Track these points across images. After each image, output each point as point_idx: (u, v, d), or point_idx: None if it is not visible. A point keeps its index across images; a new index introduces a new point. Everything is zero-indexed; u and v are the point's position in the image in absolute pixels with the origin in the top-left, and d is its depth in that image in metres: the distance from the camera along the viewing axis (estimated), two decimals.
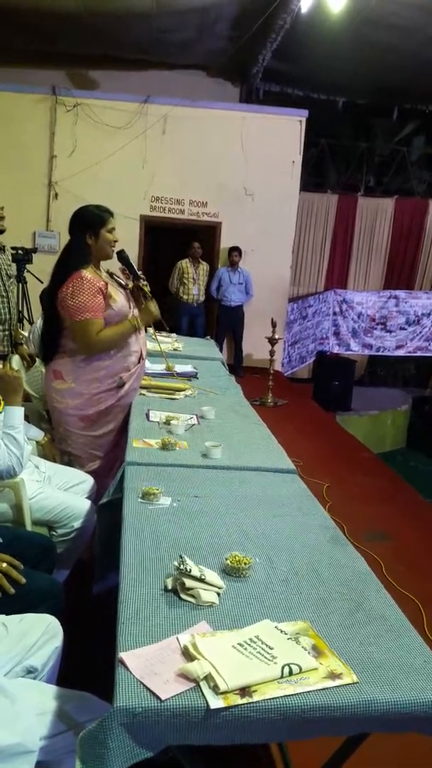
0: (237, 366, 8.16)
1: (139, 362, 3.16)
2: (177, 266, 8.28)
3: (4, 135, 8.19)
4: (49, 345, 3.05)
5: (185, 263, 8.23)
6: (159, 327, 3.44)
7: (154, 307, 3.17)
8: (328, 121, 9.92)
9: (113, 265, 3.22)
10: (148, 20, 7.46)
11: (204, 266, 8.32)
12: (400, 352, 10.73)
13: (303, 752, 1.88)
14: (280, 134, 8.63)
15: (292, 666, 1.25)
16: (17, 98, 8.20)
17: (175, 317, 8.26)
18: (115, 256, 3.12)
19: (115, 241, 3.02)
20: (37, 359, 3.65)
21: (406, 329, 10.53)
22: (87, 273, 2.89)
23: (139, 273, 3.23)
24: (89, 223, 2.94)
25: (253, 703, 1.17)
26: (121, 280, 3.20)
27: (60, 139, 8.31)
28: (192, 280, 8.22)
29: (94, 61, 8.99)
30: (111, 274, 3.17)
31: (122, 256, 3.19)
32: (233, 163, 8.55)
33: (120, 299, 3.01)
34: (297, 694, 1.20)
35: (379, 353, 10.74)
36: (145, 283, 3.21)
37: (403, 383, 11.45)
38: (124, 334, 3.01)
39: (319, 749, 1.43)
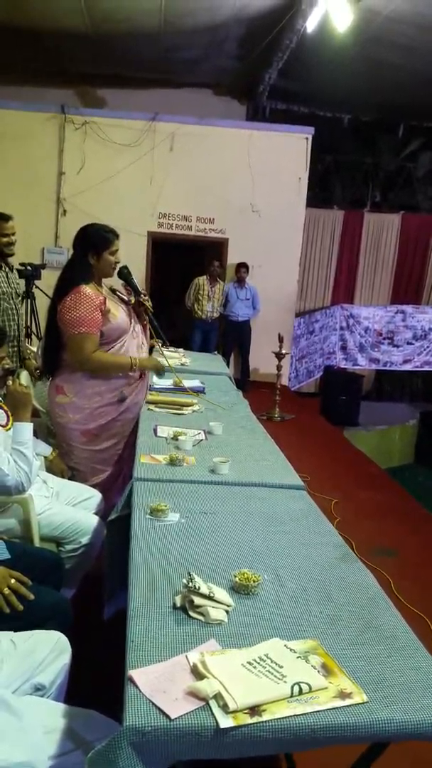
0: (244, 380, 8.15)
1: (141, 377, 3.17)
2: (194, 282, 8.30)
3: (14, 152, 8.29)
4: (50, 359, 3.08)
5: (202, 280, 8.25)
6: (162, 342, 3.47)
7: (157, 360, 3.21)
8: (334, 138, 9.99)
9: (117, 281, 3.25)
10: (156, 39, 7.56)
11: (221, 285, 8.34)
12: (408, 367, 10.71)
13: (308, 757, 1.87)
14: (287, 151, 8.69)
15: (301, 685, 1.24)
16: (27, 116, 8.30)
17: (188, 332, 8.29)
18: (116, 273, 3.15)
19: (117, 263, 3.05)
20: None
21: (413, 344, 10.52)
22: (87, 288, 2.92)
23: (141, 289, 3.26)
24: (93, 243, 2.97)
25: (262, 722, 1.17)
26: (123, 296, 3.23)
27: (69, 156, 8.39)
28: (207, 297, 8.24)
29: (103, 79, 9.10)
30: (114, 291, 3.20)
31: (123, 273, 3.22)
32: (240, 180, 8.61)
33: (120, 314, 3.04)
34: (307, 713, 1.19)
35: (387, 368, 10.72)
36: (147, 298, 3.24)
37: (411, 398, 11.41)
38: (119, 367, 3.02)
39: (326, 755, 1.42)
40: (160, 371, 3.26)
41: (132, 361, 3.03)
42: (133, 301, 3.25)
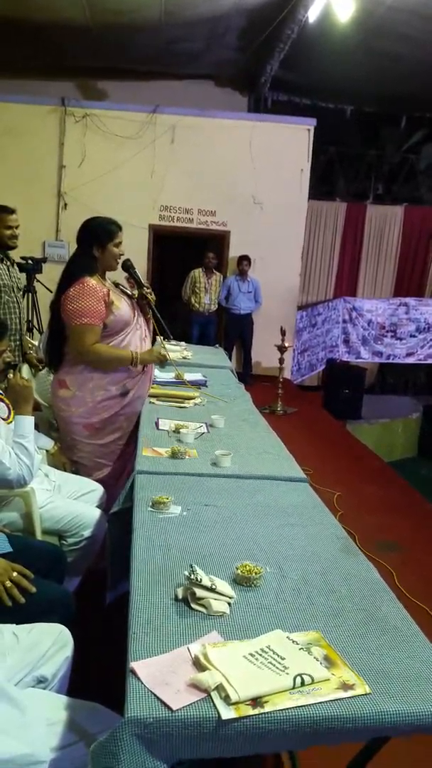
0: (246, 374, 8.15)
1: (143, 370, 3.16)
2: (190, 275, 8.31)
3: (15, 146, 8.27)
4: (54, 353, 3.07)
5: (198, 273, 8.26)
6: (165, 335, 3.45)
7: (159, 352, 3.17)
8: (337, 130, 9.93)
9: (119, 275, 3.24)
10: (157, 32, 7.52)
11: (217, 276, 8.34)
12: (411, 360, 10.68)
13: (312, 759, 1.87)
14: (289, 143, 8.66)
15: (304, 676, 1.24)
16: (27, 110, 8.28)
17: (186, 326, 8.28)
18: (120, 266, 3.14)
19: (121, 255, 3.05)
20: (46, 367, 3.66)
21: (416, 337, 10.48)
22: (91, 280, 2.91)
23: (144, 282, 3.25)
24: (97, 235, 2.96)
25: (264, 713, 1.16)
26: (126, 290, 3.22)
27: (69, 149, 8.37)
28: (204, 290, 8.24)
29: (103, 72, 9.06)
30: (117, 285, 3.19)
31: (127, 266, 3.21)
32: (242, 172, 8.58)
33: (123, 307, 3.03)
34: (309, 704, 1.19)
35: (390, 361, 10.70)
36: (150, 291, 3.23)
37: (414, 391, 11.38)
38: (119, 361, 3.00)
39: (329, 758, 1.42)
40: (163, 363, 3.23)
41: (133, 355, 3.01)
42: (136, 295, 3.24)
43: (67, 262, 3.08)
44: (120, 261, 3.10)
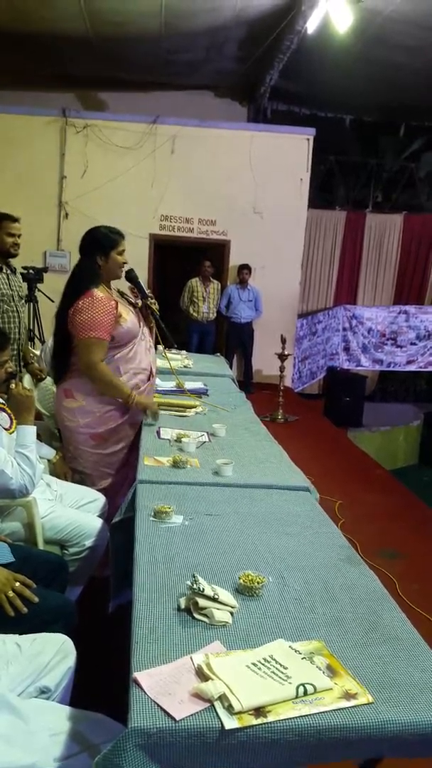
0: (247, 382, 8.16)
1: (148, 380, 3.17)
2: (187, 285, 8.35)
3: (16, 156, 8.31)
4: (60, 364, 3.07)
5: (195, 282, 8.29)
6: (168, 344, 3.45)
7: (151, 401, 3.13)
8: (336, 139, 10.00)
9: (122, 284, 3.26)
10: (156, 42, 7.58)
11: (215, 285, 8.36)
12: (411, 368, 10.69)
13: None
14: (288, 152, 8.70)
15: (306, 686, 1.24)
16: (28, 120, 8.33)
17: (185, 335, 8.30)
18: (123, 275, 3.15)
19: (125, 263, 3.05)
20: (48, 377, 3.66)
21: (416, 344, 10.50)
22: (99, 292, 2.91)
23: (148, 292, 3.26)
24: (101, 245, 2.96)
25: (267, 723, 1.17)
26: (130, 299, 3.23)
27: (70, 159, 8.41)
28: (202, 299, 8.27)
29: (104, 82, 9.13)
30: (122, 294, 3.20)
31: (131, 276, 3.22)
32: (242, 182, 8.62)
33: (130, 318, 3.04)
34: (312, 714, 1.19)
35: (390, 369, 10.71)
36: (153, 301, 3.24)
37: (415, 399, 11.39)
38: (117, 391, 2.96)
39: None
40: (155, 414, 3.13)
41: (131, 395, 2.97)
42: (139, 304, 3.25)
43: (72, 273, 3.07)
44: (124, 270, 3.10)
